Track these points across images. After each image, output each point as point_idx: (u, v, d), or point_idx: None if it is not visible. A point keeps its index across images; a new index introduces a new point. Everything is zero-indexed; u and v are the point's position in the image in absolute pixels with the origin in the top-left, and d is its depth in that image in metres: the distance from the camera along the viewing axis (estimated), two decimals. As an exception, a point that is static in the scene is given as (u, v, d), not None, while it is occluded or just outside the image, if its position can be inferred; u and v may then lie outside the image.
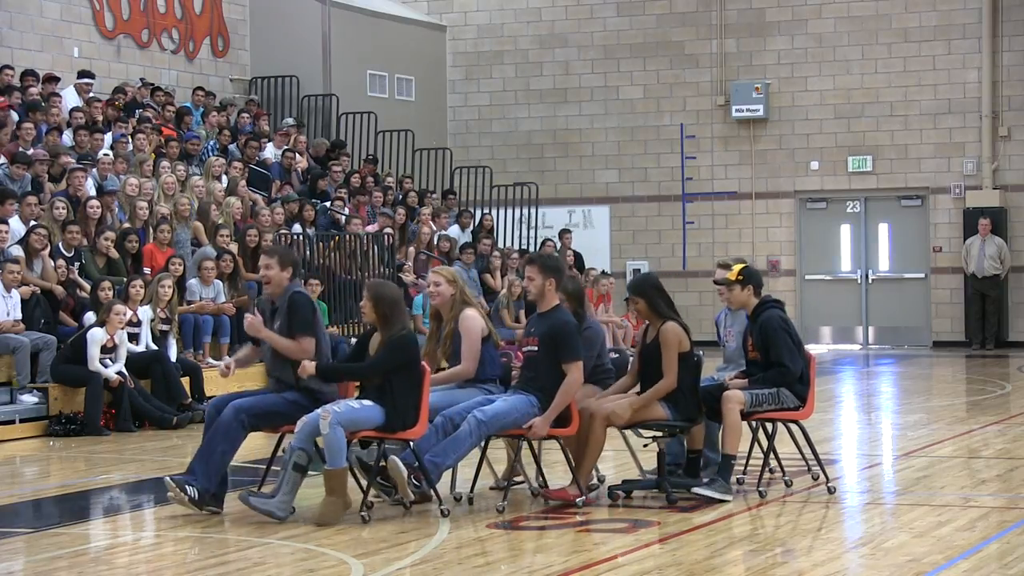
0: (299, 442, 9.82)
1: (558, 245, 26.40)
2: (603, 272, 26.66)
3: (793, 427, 11.12)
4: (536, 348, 10.43)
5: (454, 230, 25.09)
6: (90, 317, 16.32)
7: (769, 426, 11.08)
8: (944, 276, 27.58)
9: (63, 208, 17.75)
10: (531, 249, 26.61)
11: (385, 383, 10.03)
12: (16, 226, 17.05)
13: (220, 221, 19.84)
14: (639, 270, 28.85)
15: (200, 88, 25.11)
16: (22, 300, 16.05)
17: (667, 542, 9.32)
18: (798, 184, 28.43)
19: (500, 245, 25.95)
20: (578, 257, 26.39)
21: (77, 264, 17.32)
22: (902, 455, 13.58)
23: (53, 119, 20.87)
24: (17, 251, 16.59)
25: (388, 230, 22.52)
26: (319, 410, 9.86)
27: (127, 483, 12.37)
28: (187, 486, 9.99)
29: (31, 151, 19.34)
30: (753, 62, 28.53)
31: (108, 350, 15.96)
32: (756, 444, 11.28)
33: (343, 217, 22.51)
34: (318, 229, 21.90)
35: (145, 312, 16.86)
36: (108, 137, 21.15)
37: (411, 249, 23.34)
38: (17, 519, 10.94)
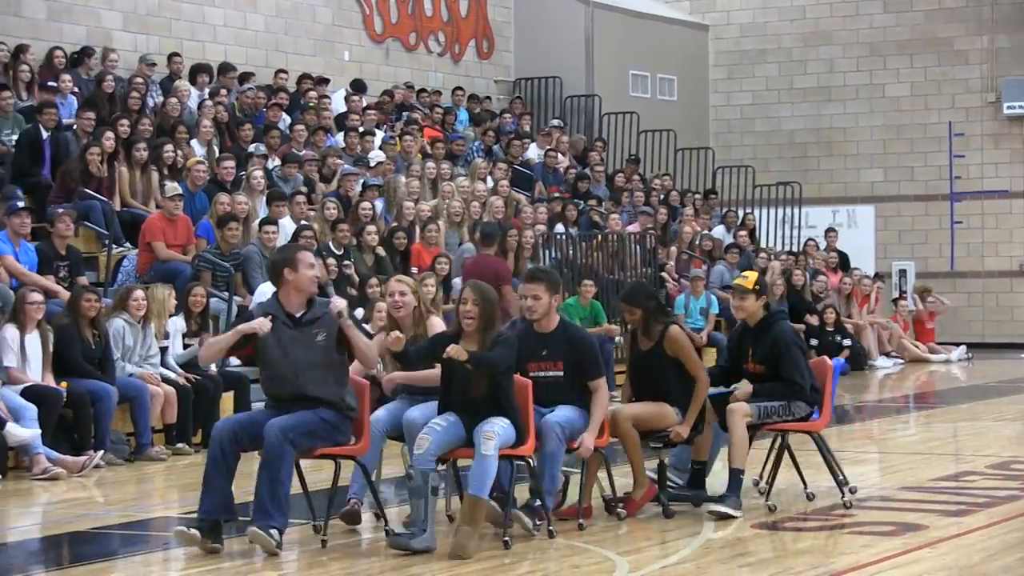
0: (426, 463, 8.94)
1: (823, 245, 26.11)
2: (876, 274, 26.41)
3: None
4: (561, 373, 9.72)
5: (719, 230, 24.98)
6: (356, 315, 16.69)
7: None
8: None
9: (334, 208, 18.21)
10: (795, 249, 26.36)
11: (501, 390, 9.24)
12: (288, 225, 17.53)
13: (484, 219, 20.13)
14: (904, 271, 28.37)
15: (459, 88, 25.51)
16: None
17: (937, 546, 9.14)
18: (1073, 183, 27.60)
19: (763, 245, 25.78)
20: (843, 257, 26.04)
21: (347, 262, 17.73)
22: None
23: (324, 121, 21.46)
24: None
25: (651, 228, 22.54)
26: (482, 432, 9.02)
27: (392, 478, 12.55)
28: (270, 531, 8.85)
29: (302, 152, 19.92)
30: (1026, 57, 27.79)
31: (375, 346, 16.28)
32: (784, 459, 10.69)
33: (604, 217, 22.59)
34: (580, 229, 22.03)
35: (410, 310, 17.15)
36: (377, 139, 21.64)
37: (673, 249, 23.32)
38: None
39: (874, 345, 24.57)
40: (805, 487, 10.73)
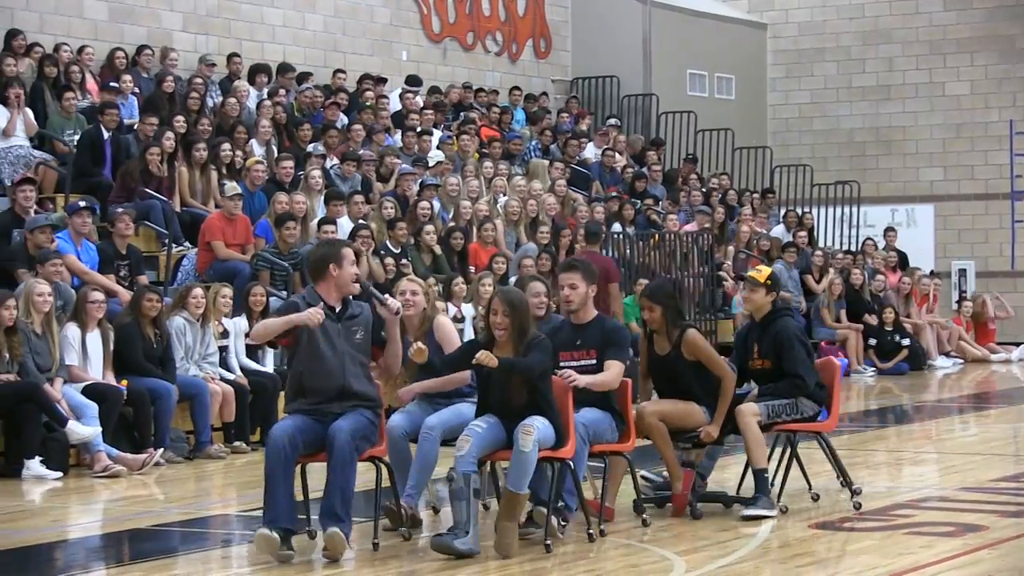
0: (469, 465, 8.82)
1: (881, 244, 25.97)
2: (931, 272, 26.22)
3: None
4: (594, 361, 9.61)
5: (779, 230, 24.90)
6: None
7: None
8: None
9: (391, 208, 18.26)
10: (853, 248, 26.25)
11: (540, 394, 9.07)
12: (346, 224, 17.60)
13: (540, 219, 20.14)
14: (964, 270, 28.18)
15: (516, 88, 25.53)
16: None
17: (997, 547, 9.08)
18: None
19: (820, 244, 25.68)
20: (902, 256, 25.90)
21: (404, 261, 17.76)
22: None
23: (382, 120, 21.52)
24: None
25: (708, 228, 22.49)
26: (521, 426, 8.88)
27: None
28: (347, 536, 8.77)
29: (360, 151, 19.99)
30: (1088, 55, 27.56)
31: (433, 346, 16.31)
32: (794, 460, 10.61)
33: (661, 216, 22.57)
34: (637, 228, 22.02)
35: (468, 310, 17.20)
36: (434, 138, 21.68)
37: (730, 248, 23.26)
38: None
39: (933, 345, 24.42)
40: (810, 488, 10.68)
